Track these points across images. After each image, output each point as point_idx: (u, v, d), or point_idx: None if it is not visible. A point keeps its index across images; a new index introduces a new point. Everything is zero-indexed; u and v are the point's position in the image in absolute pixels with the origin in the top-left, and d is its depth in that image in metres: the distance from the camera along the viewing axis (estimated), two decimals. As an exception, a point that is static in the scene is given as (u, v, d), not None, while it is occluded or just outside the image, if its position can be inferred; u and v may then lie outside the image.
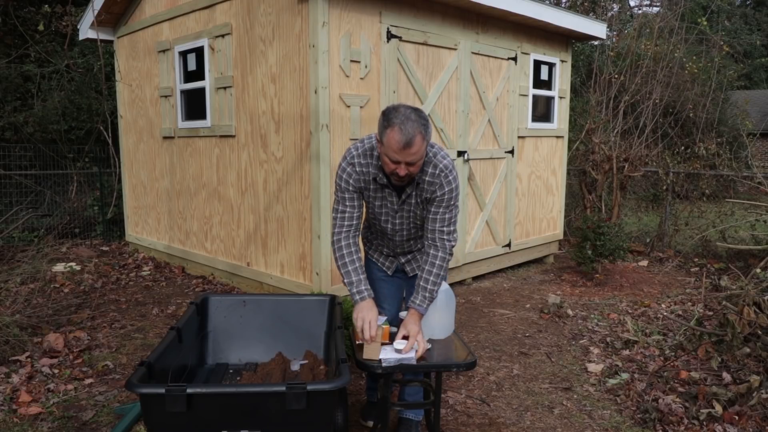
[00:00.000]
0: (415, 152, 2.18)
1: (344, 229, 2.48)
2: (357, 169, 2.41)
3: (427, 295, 2.41)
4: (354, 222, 2.48)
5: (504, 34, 5.74)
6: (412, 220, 2.53)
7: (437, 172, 2.36)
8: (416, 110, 2.22)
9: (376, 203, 2.51)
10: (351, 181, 2.42)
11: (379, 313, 2.66)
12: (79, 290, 5.33)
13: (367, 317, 2.35)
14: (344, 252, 2.47)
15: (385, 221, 2.55)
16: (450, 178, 2.37)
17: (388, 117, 2.20)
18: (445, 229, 2.41)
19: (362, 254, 2.67)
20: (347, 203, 2.46)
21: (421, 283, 2.43)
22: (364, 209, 2.67)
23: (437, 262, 2.41)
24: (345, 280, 2.47)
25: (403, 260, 2.74)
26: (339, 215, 2.48)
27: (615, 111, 8.62)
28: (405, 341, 2.35)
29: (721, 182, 8.80)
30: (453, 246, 2.44)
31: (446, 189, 2.37)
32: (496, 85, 5.75)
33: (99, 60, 7.53)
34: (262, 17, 4.69)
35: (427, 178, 2.37)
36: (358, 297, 2.43)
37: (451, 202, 2.39)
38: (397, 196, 2.46)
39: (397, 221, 2.53)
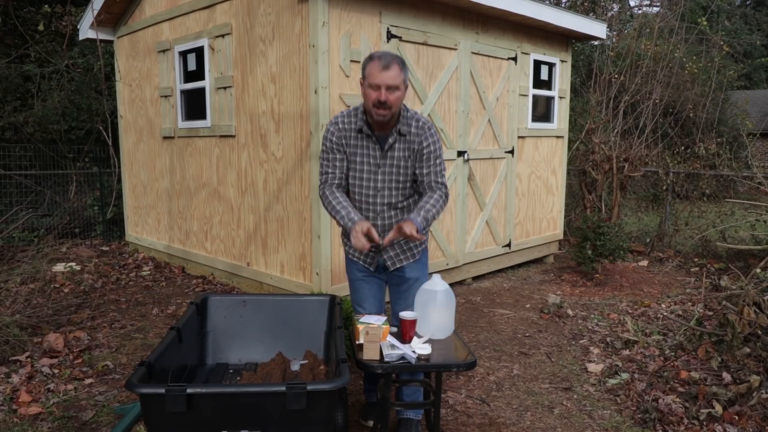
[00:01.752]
0: (394, 76, 2.43)
1: (328, 183, 2.67)
2: (340, 126, 2.62)
3: (422, 213, 2.50)
4: (336, 181, 2.67)
5: (504, 34, 5.74)
6: (395, 177, 2.63)
7: (421, 124, 2.61)
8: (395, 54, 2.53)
9: (357, 159, 2.63)
10: (334, 139, 2.63)
11: (379, 314, 2.66)
12: (79, 290, 5.33)
13: (364, 227, 2.46)
14: (330, 199, 2.63)
15: (368, 179, 2.65)
16: (432, 131, 2.63)
17: (370, 54, 2.53)
18: (439, 179, 2.62)
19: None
20: (330, 163, 2.66)
21: (420, 204, 2.54)
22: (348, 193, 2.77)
23: (435, 196, 2.57)
24: (336, 218, 2.59)
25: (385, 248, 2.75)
26: (323, 176, 2.68)
27: (615, 111, 8.62)
28: (425, 345, 2.38)
29: (721, 182, 8.80)
30: (447, 195, 2.64)
31: (430, 140, 2.60)
32: (496, 85, 5.75)
33: (99, 60, 7.54)
34: (262, 17, 4.69)
35: (413, 130, 2.59)
36: (350, 224, 2.52)
37: (437, 153, 2.62)
38: (381, 148, 2.60)
39: (379, 177, 2.63)
